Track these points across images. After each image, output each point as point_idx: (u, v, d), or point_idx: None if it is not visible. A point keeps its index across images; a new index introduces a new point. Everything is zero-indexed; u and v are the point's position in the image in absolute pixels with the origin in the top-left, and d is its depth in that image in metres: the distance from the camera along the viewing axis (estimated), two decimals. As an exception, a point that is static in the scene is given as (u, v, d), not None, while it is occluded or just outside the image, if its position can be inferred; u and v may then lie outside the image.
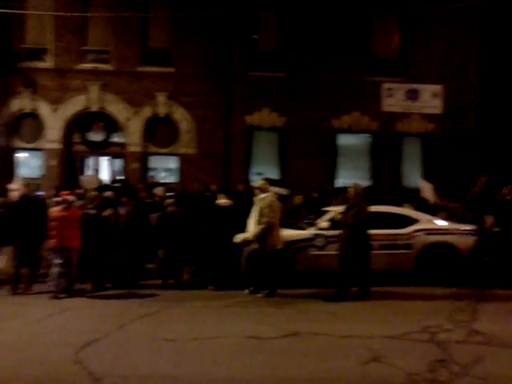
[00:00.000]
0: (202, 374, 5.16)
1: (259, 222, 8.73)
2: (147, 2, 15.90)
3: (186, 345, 6.12)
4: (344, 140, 16.14)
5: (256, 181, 15.23)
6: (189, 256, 9.76)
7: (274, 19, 15.82)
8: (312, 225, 10.00)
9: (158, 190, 12.21)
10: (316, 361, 5.55)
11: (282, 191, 11.71)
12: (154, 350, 5.91)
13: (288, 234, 9.65)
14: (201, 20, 15.19)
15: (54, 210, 9.13)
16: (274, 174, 15.56)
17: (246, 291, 9.02)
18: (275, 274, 8.87)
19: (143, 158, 15.93)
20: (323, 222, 9.80)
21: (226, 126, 15.70)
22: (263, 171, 15.62)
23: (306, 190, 12.86)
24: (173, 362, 5.51)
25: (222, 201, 9.94)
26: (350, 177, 14.62)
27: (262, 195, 8.96)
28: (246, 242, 9.11)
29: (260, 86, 15.63)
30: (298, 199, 11.87)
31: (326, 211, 10.25)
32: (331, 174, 15.75)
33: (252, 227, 8.88)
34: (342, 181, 15.20)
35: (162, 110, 15.81)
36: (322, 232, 9.69)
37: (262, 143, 16.20)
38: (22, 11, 15.46)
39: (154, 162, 16.27)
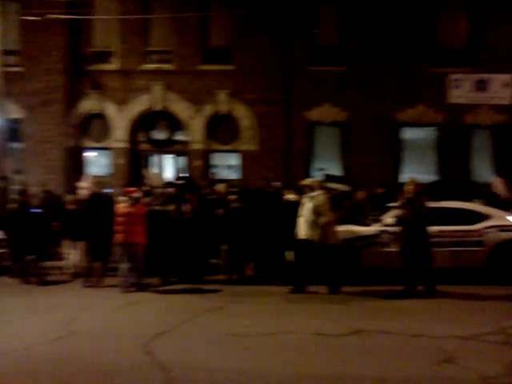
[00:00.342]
0: (269, 369, 5.16)
1: (316, 221, 8.62)
2: (207, 1, 16.10)
3: (253, 340, 6.15)
4: (409, 134, 15.69)
5: (317, 176, 15.19)
6: (252, 251, 9.81)
7: (334, 13, 15.60)
8: (377, 221, 9.81)
9: (220, 187, 12.33)
10: (385, 359, 5.43)
11: (342, 187, 11.51)
12: (221, 344, 5.98)
13: (352, 230, 9.49)
14: (260, 16, 15.18)
15: (120, 207, 9.39)
16: (335, 170, 15.35)
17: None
18: (338, 270, 8.76)
19: (206, 155, 16.16)
20: (388, 218, 9.58)
21: (286, 122, 15.65)
22: (325, 167, 15.46)
23: (370, 185, 12.62)
24: (241, 357, 5.55)
25: (291, 196, 9.90)
26: (415, 171, 14.13)
27: (313, 193, 8.84)
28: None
29: (321, 81, 15.45)
30: (361, 195, 11.66)
31: (391, 207, 10.01)
32: (396, 169, 15.36)
33: (303, 226, 8.77)
34: (407, 176, 14.62)
35: (223, 108, 15.97)
36: (387, 228, 9.48)
37: (324, 138, 16.03)
38: (89, 17, 16.06)
39: (216, 159, 16.47)
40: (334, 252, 8.69)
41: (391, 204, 10.28)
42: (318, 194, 8.87)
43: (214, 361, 5.41)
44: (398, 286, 8.41)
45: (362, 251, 9.48)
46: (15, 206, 10.79)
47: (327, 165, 15.50)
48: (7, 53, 13.43)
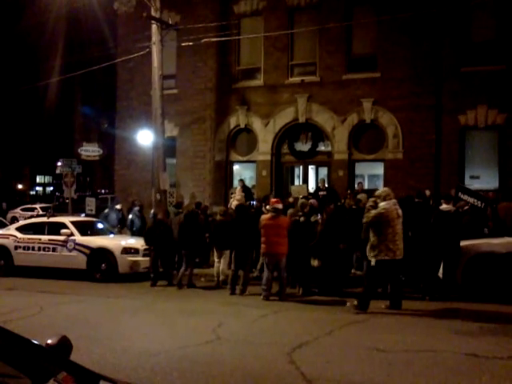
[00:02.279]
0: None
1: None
2: (350, 10, 15.95)
3: (397, 356, 5.81)
4: None
5: (470, 185, 14.12)
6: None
7: (488, 7, 14.41)
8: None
9: (362, 197, 12.00)
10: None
11: (473, 201, 10.55)
12: (363, 358, 5.74)
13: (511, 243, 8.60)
14: (406, 21, 14.62)
15: (264, 218, 9.57)
16: (490, 177, 14.15)
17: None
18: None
19: (349, 165, 15.92)
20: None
21: (436, 128, 14.79)
22: (479, 174, 14.32)
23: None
24: (385, 373, 5.27)
25: (445, 206, 9.29)
26: None
27: (382, 203, 8.10)
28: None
29: (475, 82, 14.37)
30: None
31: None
32: None
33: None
34: None
35: (367, 116, 15.63)
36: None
37: (478, 144, 14.87)
38: (237, 37, 16.90)
39: (360, 168, 16.16)
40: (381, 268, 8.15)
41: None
42: (383, 205, 8.12)
43: (356, 375, 5.20)
44: None
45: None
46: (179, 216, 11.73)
47: (481, 172, 14.35)
48: (165, 77, 14.63)
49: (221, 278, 10.53)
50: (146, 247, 11.63)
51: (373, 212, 8.08)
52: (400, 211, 8.17)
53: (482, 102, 14.33)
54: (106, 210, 15.30)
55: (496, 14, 14.41)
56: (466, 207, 10.35)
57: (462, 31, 14.64)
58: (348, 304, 8.38)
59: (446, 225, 8.92)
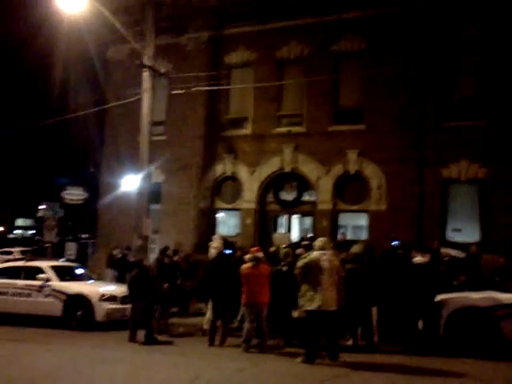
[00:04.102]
0: None
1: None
2: (338, 64, 16.34)
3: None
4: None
5: (452, 237, 14.16)
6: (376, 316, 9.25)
7: (470, 64, 14.91)
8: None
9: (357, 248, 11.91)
10: None
11: (456, 253, 10.63)
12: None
13: (494, 297, 8.54)
14: (392, 75, 15.02)
15: (245, 267, 9.44)
16: (473, 231, 14.24)
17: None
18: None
19: (333, 215, 15.95)
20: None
21: (419, 181, 14.94)
22: (461, 227, 14.40)
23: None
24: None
25: (418, 258, 9.28)
26: None
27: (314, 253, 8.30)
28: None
29: (457, 137, 14.60)
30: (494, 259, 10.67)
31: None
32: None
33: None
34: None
35: (352, 168, 15.79)
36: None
37: (460, 197, 15.00)
38: (227, 87, 17.24)
39: (344, 219, 16.18)
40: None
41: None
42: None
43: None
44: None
45: (504, 321, 8.43)
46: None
47: (464, 225, 14.44)
48: (154, 124, 14.77)
49: (204, 327, 10.29)
50: (125, 295, 11.37)
51: (300, 262, 8.24)
52: (335, 262, 8.25)
53: (464, 156, 14.54)
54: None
55: (477, 73, 14.86)
56: (447, 258, 10.43)
57: (445, 87, 15.03)
58: (298, 359, 8.18)
59: (419, 278, 8.87)
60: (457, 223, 14.69)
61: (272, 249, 11.87)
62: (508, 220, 13.64)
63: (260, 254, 9.47)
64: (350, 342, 9.33)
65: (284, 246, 12.19)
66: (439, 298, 9.03)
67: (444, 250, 10.97)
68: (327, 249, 8.35)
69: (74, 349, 9.38)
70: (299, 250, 11.09)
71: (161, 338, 10.19)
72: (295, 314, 8.37)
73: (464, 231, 14.47)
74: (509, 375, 7.43)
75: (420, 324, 8.90)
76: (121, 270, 13.69)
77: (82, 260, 16.78)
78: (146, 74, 14.16)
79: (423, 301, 8.82)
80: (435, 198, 14.78)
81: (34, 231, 60.67)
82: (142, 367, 8.02)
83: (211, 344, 9.53)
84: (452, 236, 14.39)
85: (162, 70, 14.87)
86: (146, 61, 14.14)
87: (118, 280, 13.19)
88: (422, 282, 8.85)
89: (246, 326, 9.23)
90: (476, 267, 10.73)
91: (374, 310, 9.39)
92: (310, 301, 8.05)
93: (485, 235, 14.02)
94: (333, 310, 8.05)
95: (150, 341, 9.76)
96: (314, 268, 8.10)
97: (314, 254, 8.32)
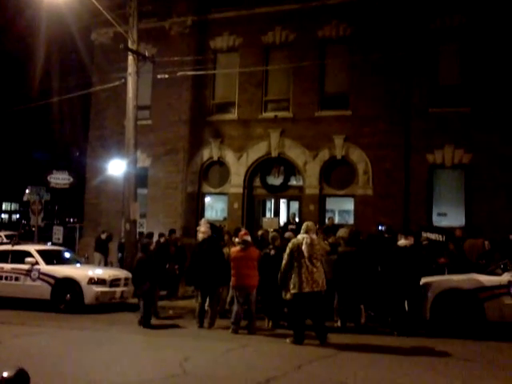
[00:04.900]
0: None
1: None
2: (324, 49, 16.37)
3: (365, 391, 5.78)
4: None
5: (437, 222, 14.40)
6: (365, 298, 9.42)
7: (455, 52, 15.05)
8: (507, 270, 8.95)
9: (342, 232, 12.05)
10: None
11: (435, 237, 10.93)
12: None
13: (477, 279, 8.75)
14: (378, 61, 15.11)
15: (234, 250, 9.56)
16: (457, 215, 14.49)
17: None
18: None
19: (320, 199, 16.08)
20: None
21: (405, 166, 15.12)
22: (446, 212, 14.64)
23: (497, 232, 11.65)
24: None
25: (402, 241, 9.46)
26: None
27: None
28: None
29: (442, 123, 14.82)
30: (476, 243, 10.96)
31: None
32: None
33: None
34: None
35: (338, 152, 15.90)
36: (520, 278, 8.60)
37: (445, 182, 15.23)
38: (212, 71, 17.17)
39: (331, 203, 16.32)
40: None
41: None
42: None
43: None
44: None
45: (488, 303, 8.66)
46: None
47: (448, 210, 14.67)
48: (139, 108, 14.67)
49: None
50: (114, 278, 11.37)
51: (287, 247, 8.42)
52: (319, 246, 8.34)
53: (449, 142, 14.75)
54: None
55: (462, 60, 15.00)
56: (425, 242, 10.74)
57: (430, 74, 15.17)
58: (287, 340, 8.32)
59: (403, 260, 9.04)
60: (442, 208, 14.93)
61: (259, 232, 11.97)
62: (492, 205, 13.95)
63: (248, 238, 9.54)
64: (338, 324, 9.50)
65: (272, 229, 12.32)
66: (424, 280, 9.22)
67: (424, 235, 11.24)
68: (311, 232, 8.45)
69: (64, 331, 9.41)
70: (288, 234, 11.21)
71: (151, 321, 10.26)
72: (287, 296, 8.49)
73: (449, 216, 14.74)
74: (491, 355, 7.64)
75: (405, 306, 9.08)
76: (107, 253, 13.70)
77: (69, 244, 16.68)
78: (130, 58, 14.05)
79: (409, 283, 8.99)
80: (421, 183, 14.98)
81: (20, 215, 60.06)
82: (132, 349, 8.09)
83: (200, 326, 9.63)
84: (438, 221, 14.63)
85: (147, 54, 14.76)
86: (131, 45, 14.02)
87: (105, 264, 13.18)
88: (406, 264, 9.02)
89: (235, 307, 9.33)
90: (459, 251, 10.97)
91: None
92: (294, 283, 8.20)
93: (469, 219, 14.28)
94: (317, 291, 8.18)
95: (147, 324, 9.69)
96: (297, 251, 8.25)
97: (298, 237, 8.52)
